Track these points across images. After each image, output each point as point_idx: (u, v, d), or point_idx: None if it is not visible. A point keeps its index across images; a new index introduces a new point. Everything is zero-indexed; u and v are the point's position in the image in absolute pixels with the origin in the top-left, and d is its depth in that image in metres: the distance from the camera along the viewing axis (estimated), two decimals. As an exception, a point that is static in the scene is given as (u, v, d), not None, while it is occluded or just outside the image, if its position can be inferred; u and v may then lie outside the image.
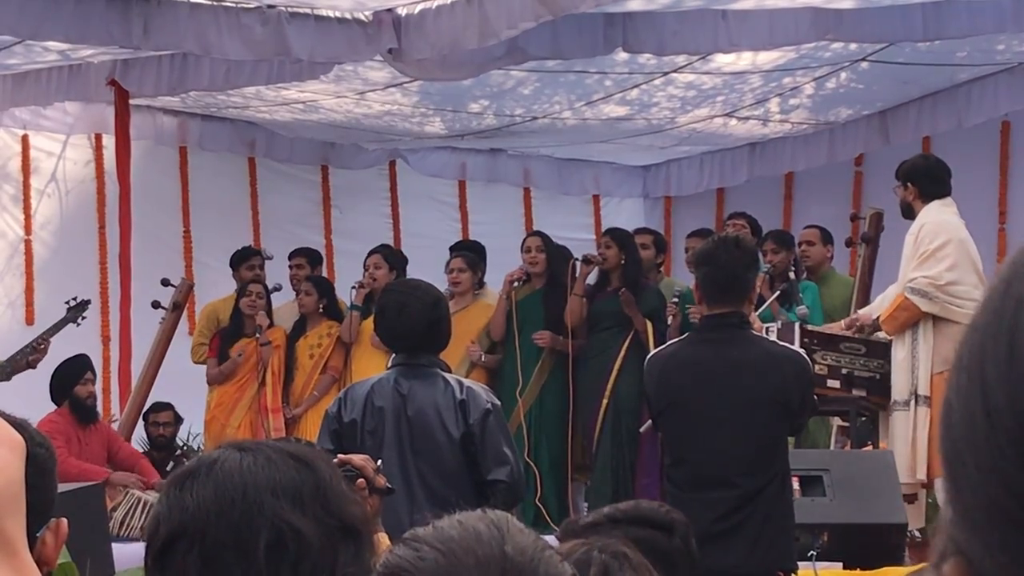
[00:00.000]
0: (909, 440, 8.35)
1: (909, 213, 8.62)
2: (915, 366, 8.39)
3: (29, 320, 12.18)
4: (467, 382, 6.47)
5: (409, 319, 6.26)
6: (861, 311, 9.32)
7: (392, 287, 7.27)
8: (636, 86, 11.64)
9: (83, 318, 10.92)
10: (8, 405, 2.87)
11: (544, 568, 1.75)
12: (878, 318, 8.76)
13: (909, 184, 8.60)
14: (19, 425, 2.69)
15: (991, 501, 0.95)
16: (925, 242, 8.41)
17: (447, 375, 6.38)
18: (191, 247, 13.02)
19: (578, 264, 10.78)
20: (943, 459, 1.01)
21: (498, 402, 6.39)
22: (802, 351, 6.90)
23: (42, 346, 10.52)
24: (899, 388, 8.50)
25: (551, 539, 2.49)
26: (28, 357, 10.51)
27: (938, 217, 8.48)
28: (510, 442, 6.30)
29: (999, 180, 12.25)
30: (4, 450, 1.44)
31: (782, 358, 6.36)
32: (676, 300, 10.30)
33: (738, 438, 6.20)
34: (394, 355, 6.48)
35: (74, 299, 10.93)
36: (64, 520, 2.54)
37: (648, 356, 6.85)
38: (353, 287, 11.04)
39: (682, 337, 6.89)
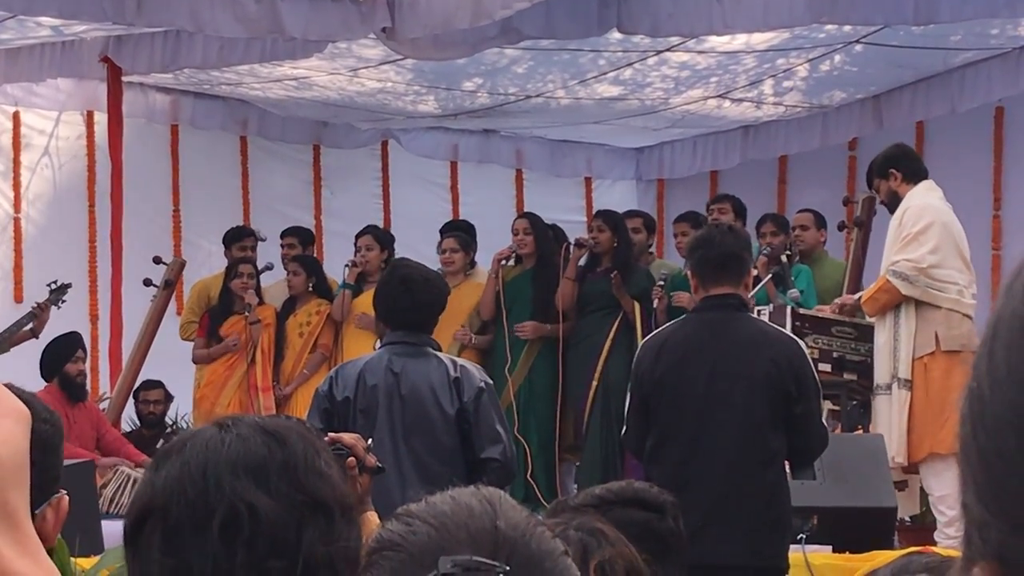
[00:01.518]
0: (891, 425, 8.34)
1: (895, 202, 8.59)
2: (896, 349, 8.38)
3: (18, 298, 12.15)
4: (460, 361, 6.51)
5: (436, 292, 6.32)
6: (848, 296, 9.32)
7: (397, 263, 7.29)
8: (630, 64, 11.63)
9: (63, 301, 10.92)
10: (-3, 379, 2.85)
11: (536, 543, 1.74)
12: (859, 298, 8.76)
13: (893, 171, 8.58)
14: (25, 401, 2.67)
15: None
16: (908, 225, 8.39)
17: (439, 354, 6.39)
18: (180, 226, 12.98)
19: (571, 247, 10.80)
20: (973, 456, 0.94)
21: (491, 381, 6.41)
22: (796, 337, 6.84)
23: (42, 313, 10.56)
24: (881, 372, 8.49)
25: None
26: (28, 325, 10.54)
27: (922, 200, 8.46)
28: (503, 421, 6.32)
29: (993, 166, 12.24)
30: (9, 422, 1.44)
31: (778, 341, 6.31)
32: (662, 283, 10.28)
33: (734, 418, 6.12)
34: (386, 334, 6.48)
35: (54, 282, 10.92)
36: (65, 497, 2.53)
37: (643, 341, 6.76)
38: (347, 265, 11.04)
39: (679, 319, 6.78)
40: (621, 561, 3.01)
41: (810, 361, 6.41)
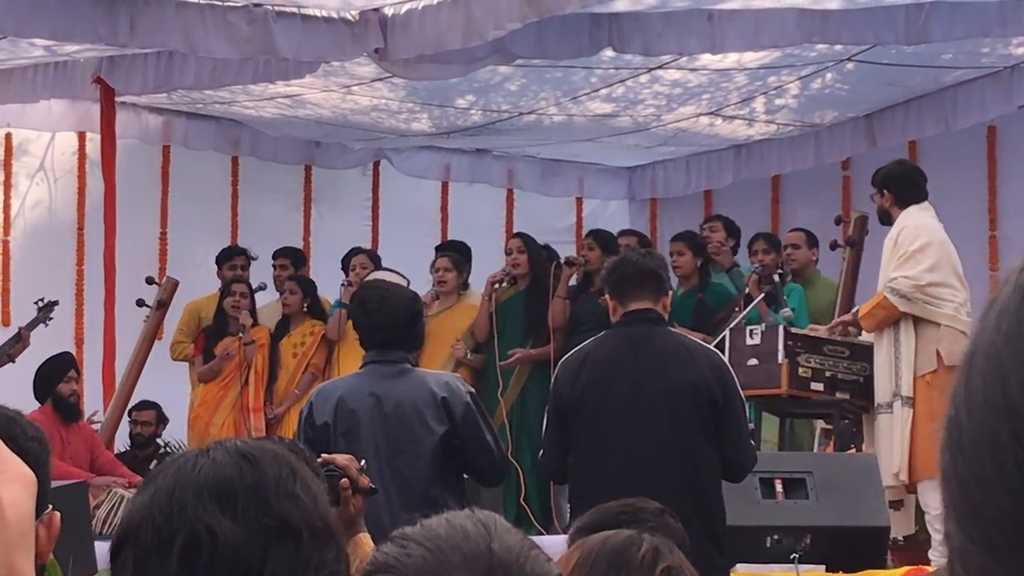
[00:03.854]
0: (894, 443, 8.35)
1: (887, 219, 8.65)
2: (897, 367, 8.39)
3: (5, 321, 12.13)
4: (442, 376, 6.52)
5: (391, 311, 6.30)
6: (845, 316, 9.32)
7: (370, 283, 7.32)
8: (622, 82, 11.65)
9: (50, 319, 10.89)
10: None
11: (531, 566, 1.75)
12: (857, 311, 8.79)
13: (885, 191, 8.64)
14: (11, 419, 2.68)
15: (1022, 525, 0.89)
16: (905, 244, 8.43)
17: (418, 370, 6.42)
18: (166, 247, 12.94)
19: (560, 266, 10.80)
20: (953, 484, 0.94)
21: (472, 389, 6.47)
22: (716, 349, 6.82)
23: (24, 338, 10.54)
24: (881, 391, 8.51)
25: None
26: (9, 350, 10.51)
27: (917, 220, 8.51)
28: (491, 428, 6.38)
29: (987, 186, 12.23)
30: (17, 487, 1.45)
31: (701, 352, 6.32)
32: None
33: (661, 430, 6.09)
34: (366, 353, 6.49)
35: (41, 299, 10.90)
36: (57, 513, 2.53)
37: (562, 359, 6.74)
38: (342, 285, 11.04)
39: (599, 335, 6.66)
40: (687, 571, 3.14)
41: (733, 373, 6.38)
